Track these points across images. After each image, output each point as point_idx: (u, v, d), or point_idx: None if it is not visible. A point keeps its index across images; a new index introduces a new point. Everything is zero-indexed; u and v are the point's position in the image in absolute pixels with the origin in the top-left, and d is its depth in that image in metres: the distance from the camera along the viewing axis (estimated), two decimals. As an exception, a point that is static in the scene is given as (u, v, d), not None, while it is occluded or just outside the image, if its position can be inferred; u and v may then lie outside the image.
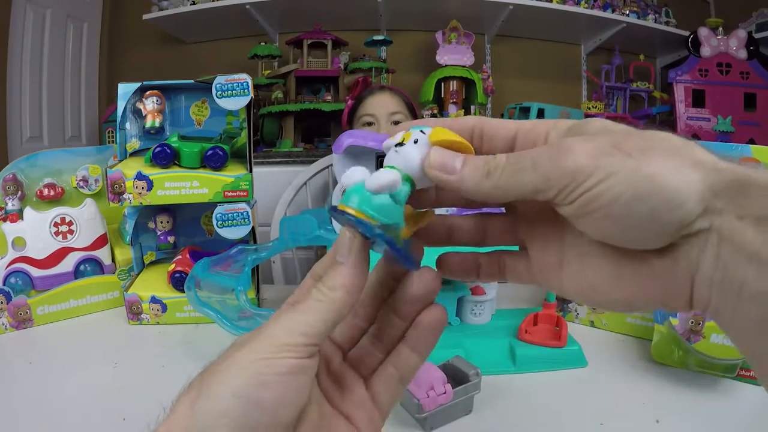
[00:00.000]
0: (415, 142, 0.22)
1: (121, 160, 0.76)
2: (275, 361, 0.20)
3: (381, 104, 1.16)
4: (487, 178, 0.21)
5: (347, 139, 0.60)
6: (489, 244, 0.27)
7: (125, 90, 0.74)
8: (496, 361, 0.58)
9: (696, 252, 0.19)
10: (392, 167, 0.22)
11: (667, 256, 0.20)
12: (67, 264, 0.76)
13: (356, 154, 0.63)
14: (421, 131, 0.23)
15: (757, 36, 2.01)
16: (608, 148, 0.19)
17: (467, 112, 1.95)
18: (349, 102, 1.27)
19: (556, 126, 0.23)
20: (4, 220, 0.73)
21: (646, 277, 0.21)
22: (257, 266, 0.77)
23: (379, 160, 0.64)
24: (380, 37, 2.00)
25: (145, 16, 2.03)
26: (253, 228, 0.74)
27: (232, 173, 0.73)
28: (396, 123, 1.16)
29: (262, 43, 2.02)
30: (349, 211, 0.22)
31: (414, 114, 1.25)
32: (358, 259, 0.22)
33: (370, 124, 1.14)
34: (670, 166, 0.19)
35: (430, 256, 0.27)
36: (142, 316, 0.72)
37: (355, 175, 0.23)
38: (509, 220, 0.26)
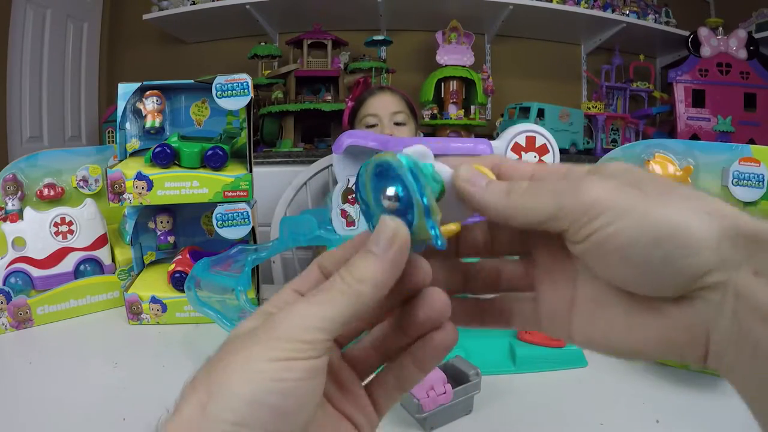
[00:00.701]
0: None
1: (121, 160, 0.76)
2: (296, 364, 0.18)
3: (383, 104, 1.16)
4: (507, 197, 0.21)
5: (347, 139, 0.60)
6: (503, 288, 0.26)
7: (125, 90, 0.74)
8: (496, 361, 0.58)
9: (714, 306, 0.18)
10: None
11: (684, 307, 0.19)
12: (67, 264, 0.76)
13: (356, 154, 0.63)
14: None
15: (757, 36, 2.01)
16: (626, 186, 0.19)
17: (467, 113, 1.95)
18: (350, 103, 1.27)
19: (574, 168, 0.22)
20: (4, 220, 0.73)
21: (660, 328, 0.20)
22: (257, 266, 0.77)
23: None
24: (380, 37, 2.00)
25: (145, 16, 2.03)
26: (253, 228, 0.74)
27: (232, 173, 0.73)
28: (398, 123, 1.16)
29: (262, 43, 2.02)
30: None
31: (415, 114, 1.25)
32: (397, 254, 0.20)
33: (373, 125, 1.14)
34: (687, 210, 0.18)
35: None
36: (142, 316, 0.72)
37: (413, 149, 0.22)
38: (524, 264, 0.25)
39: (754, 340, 0.17)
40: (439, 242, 0.21)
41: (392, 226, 0.20)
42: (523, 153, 0.63)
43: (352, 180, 0.64)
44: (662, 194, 0.19)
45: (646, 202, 0.19)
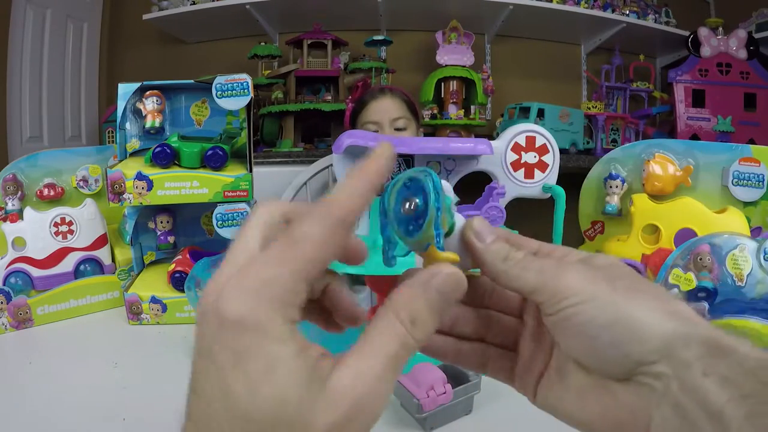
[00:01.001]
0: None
1: (121, 160, 0.76)
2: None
3: (383, 110, 1.16)
4: (503, 263, 0.24)
5: (347, 139, 0.60)
6: (489, 339, 0.28)
7: (125, 90, 0.74)
8: None
9: (657, 394, 0.20)
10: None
11: (629, 389, 0.21)
12: (67, 264, 0.76)
13: (356, 154, 0.63)
14: None
15: (757, 36, 2.01)
16: (600, 279, 0.22)
17: (467, 113, 1.95)
18: (350, 105, 1.28)
19: (571, 253, 0.25)
20: (4, 220, 0.73)
21: (608, 405, 0.22)
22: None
23: None
24: (380, 37, 2.00)
25: (145, 16, 2.03)
26: (253, 228, 0.74)
27: (232, 173, 0.73)
28: (398, 129, 1.16)
29: (262, 43, 2.02)
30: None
31: (416, 114, 1.25)
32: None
33: (373, 131, 1.15)
34: (646, 307, 0.21)
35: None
36: (142, 316, 0.72)
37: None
38: (514, 324, 0.27)
39: (699, 430, 0.19)
40: (440, 242, 0.23)
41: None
42: (523, 153, 0.63)
43: None
44: (630, 290, 0.22)
45: (612, 294, 0.21)
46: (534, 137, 0.63)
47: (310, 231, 0.20)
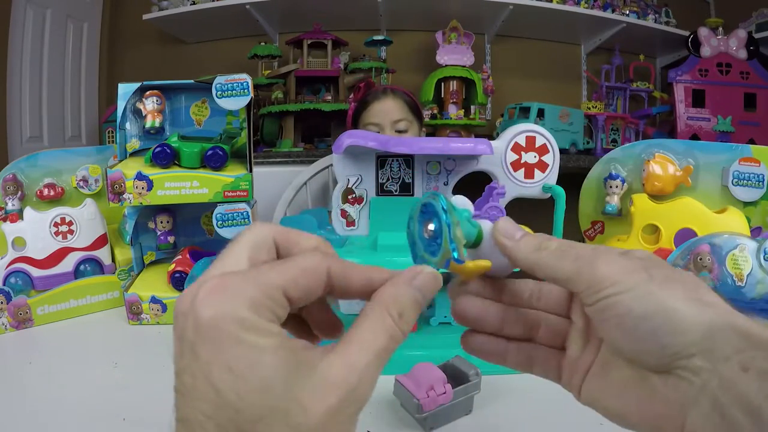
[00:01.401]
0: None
1: (121, 160, 0.76)
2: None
3: (384, 112, 1.16)
4: (536, 253, 0.25)
5: (347, 139, 0.60)
6: (538, 339, 0.29)
7: (125, 90, 0.74)
8: (496, 365, 0.58)
9: (695, 388, 0.20)
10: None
11: (669, 383, 0.21)
12: (67, 264, 0.76)
13: (357, 155, 0.63)
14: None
15: (757, 36, 2.01)
16: (637, 269, 0.22)
17: (467, 112, 1.95)
18: (352, 105, 1.27)
19: (605, 246, 0.25)
20: (4, 220, 0.73)
21: (646, 398, 0.22)
22: (257, 266, 0.77)
23: (379, 161, 0.64)
24: (380, 37, 2.00)
25: (145, 16, 2.03)
26: (253, 228, 0.74)
27: (232, 173, 0.73)
28: (399, 131, 1.16)
29: (262, 43, 2.02)
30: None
31: (419, 114, 1.24)
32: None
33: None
34: (683, 297, 0.21)
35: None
36: (142, 316, 0.72)
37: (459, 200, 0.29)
38: (563, 323, 0.28)
39: (736, 429, 0.19)
40: (456, 255, 0.25)
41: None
42: (523, 153, 0.63)
43: (352, 180, 0.64)
44: (667, 280, 0.22)
45: (649, 284, 0.21)
46: (534, 137, 0.63)
47: (302, 259, 0.22)
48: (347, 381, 0.19)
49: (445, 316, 0.65)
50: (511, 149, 0.63)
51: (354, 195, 0.64)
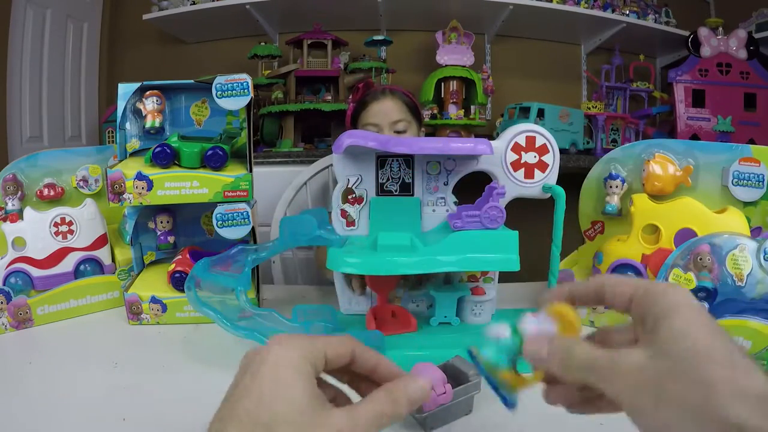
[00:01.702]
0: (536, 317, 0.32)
1: (121, 160, 0.76)
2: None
3: (383, 112, 1.15)
4: (565, 370, 0.29)
5: (347, 139, 0.59)
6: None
7: (125, 90, 0.74)
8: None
9: None
10: (513, 325, 0.33)
11: None
12: (67, 264, 0.76)
13: (357, 155, 0.63)
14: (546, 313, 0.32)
15: (757, 36, 2.01)
16: (648, 389, 0.24)
17: (467, 112, 1.95)
18: (351, 105, 1.27)
19: (656, 301, 0.27)
20: (4, 220, 0.73)
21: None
22: (257, 266, 0.77)
23: (379, 161, 0.64)
24: (380, 37, 2.00)
25: (145, 16, 2.03)
26: (253, 228, 0.74)
27: (232, 173, 0.73)
28: (398, 131, 1.16)
29: (262, 43, 2.02)
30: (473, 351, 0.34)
31: (418, 114, 1.23)
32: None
33: None
34: (737, 391, 0.21)
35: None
36: (142, 316, 0.72)
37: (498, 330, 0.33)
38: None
39: None
40: (508, 404, 0.33)
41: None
42: (523, 153, 0.63)
43: (352, 180, 0.64)
44: (673, 402, 0.23)
45: (654, 412, 0.24)
46: (534, 137, 0.63)
47: (338, 338, 0.32)
48: (348, 428, 0.27)
49: (445, 317, 0.65)
50: (511, 149, 0.63)
51: (354, 195, 0.64)
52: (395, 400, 0.30)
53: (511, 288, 0.85)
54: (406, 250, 0.57)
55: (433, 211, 0.65)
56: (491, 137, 2.26)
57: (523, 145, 0.63)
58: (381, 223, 0.63)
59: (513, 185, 0.63)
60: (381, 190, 0.64)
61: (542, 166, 0.64)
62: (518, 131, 0.63)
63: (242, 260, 0.65)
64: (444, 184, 0.65)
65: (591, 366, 0.27)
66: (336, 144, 0.60)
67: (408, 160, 0.64)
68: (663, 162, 0.74)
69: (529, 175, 0.64)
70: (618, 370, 0.25)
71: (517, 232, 0.59)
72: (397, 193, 0.65)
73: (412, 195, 0.65)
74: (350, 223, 0.65)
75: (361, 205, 0.64)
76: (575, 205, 0.82)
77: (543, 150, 0.63)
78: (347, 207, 0.64)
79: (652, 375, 0.24)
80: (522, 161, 0.63)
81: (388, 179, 0.64)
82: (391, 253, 0.57)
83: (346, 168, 0.63)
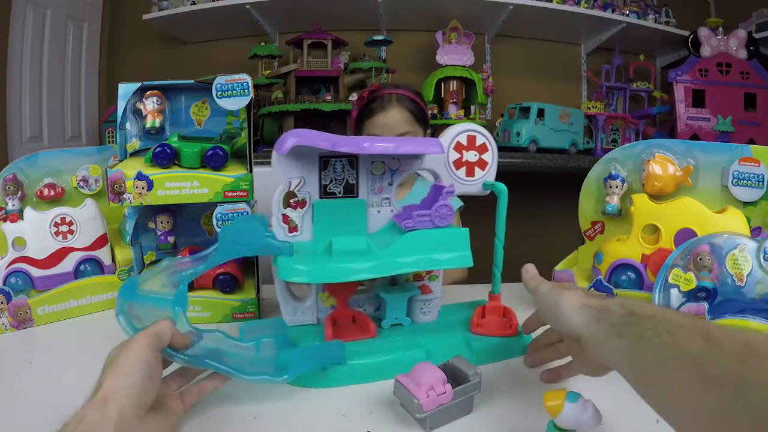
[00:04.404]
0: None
1: (121, 160, 0.76)
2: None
3: (388, 126, 1.12)
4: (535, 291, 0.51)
5: (292, 138, 0.54)
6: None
7: (125, 90, 0.74)
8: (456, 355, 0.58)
9: (589, 346, 0.41)
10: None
11: (583, 348, 0.43)
12: (67, 264, 0.76)
13: (299, 155, 0.59)
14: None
15: (757, 36, 2.01)
16: (557, 288, 0.47)
17: (467, 112, 1.95)
18: (353, 113, 1.25)
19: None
20: (4, 220, 0.74)
21: (583, 359, 0.46)
22: (257, 266, 0.77)
23: (321, 161, 0.60)
24: (380, 37, 2.00)
25: (145, 16, 2.03)
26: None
27: (232, 173, 0.73)
28: None
29: (262, 43, 2.02)
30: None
31: (424, 120, 1.21)
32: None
33: None
34: (569, 303, 0.43)
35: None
36: (142, 316, 0.72)
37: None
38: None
39: (607, 359, 0.39)
40: None
41: None
42: (464, 152, 0.64)
43: (294, 182, 0.60)
44: (562, 292, 0.45)
45: (553, 293, 0.47)
46: (474, 136, 0.64)
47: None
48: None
49: (396, 318, 0.65)
50: (453, 148, 0.64)
51: (296, 198, 0.60)
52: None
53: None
54: (362, 255, 0.56)
55: (378, 212, 0.63)
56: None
57: (465, 144, 0.64)
58: (325, 228, 0.60)
59: (455, 183, 0.64)
60: (324, 193, 0.61)
61: (482, 164, 0.65)
62: (459, 130, 0.64)
63: (175, 276, 0.55)
64: (389, 184, 0.63)
65: (542, 291, 0.49)
66: (279, 144, 0.56)
67: (351, 160, 0.61)
68: (663, 162, 0.74)
69: (470, 173, 0.65)
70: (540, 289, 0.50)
71: (467, 228, 0.60)
72: (341, 195, 0.61)
73: (357, 196, 0.62)
74: (293, 228, 0.61)
75: (304, 208, 0.60)
76: (575, 205, 0.82)
77: (483, 148, 0.65)
78: (289, 211, 0.60)
79: (556, 285, 0.49)
80: (463, 160, 0.64)
81: (331, 181, 0.61)
82: (348, 258, 0.55)
83: (287, 170, 0.59)
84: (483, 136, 0.64)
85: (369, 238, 0.59)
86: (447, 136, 0.63)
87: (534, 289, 0.50)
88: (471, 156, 0.64)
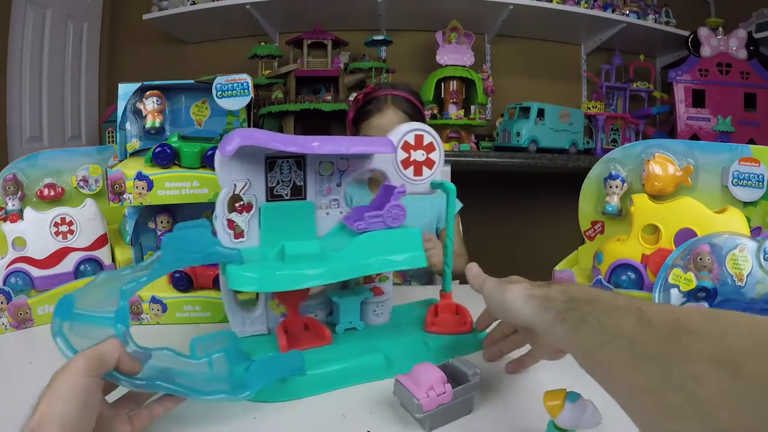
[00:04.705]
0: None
1: (121, 160, 0.76)
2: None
3: (382, 128, 1.11)
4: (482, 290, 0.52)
5: (237, 138, 0.51)
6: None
7: (125, 90, 0.74)
8: (416, 355, 0.57)
9: (541, 334, 0.42)
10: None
11: (539, 335, 0.43)
12: (67, 264, 0.76)
13: (244, 156, 0.56)
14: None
15: (757, 36, 2.01)
16: (502, 284, 0.48)
17: (467, 112, 1.95)
18: (350, 115, 1.25)
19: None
20: (4, 220, 0.74)
21: (540, 346, 0.51)
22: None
23: (268, 162, 0.57)
24: (380, 37, 2.00)
25: (145, 16, 2.03)
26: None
27: (232, 173, 0.72)
28: None
29: (262, 43, 2.02)
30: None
31: (421, 117, 1.20)
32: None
33: None
34: (516, 295, 0.44)
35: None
36: (142, 316, 0.72)
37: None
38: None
39: (557, 341, 0.40)
40: None
41: None
42: (412, 151, 0.64)
43: (239, 185, 0.56)
44: (508, 288, 0.46)
45: (501, 292, 0.47)
46: (422, 136, 0.64)
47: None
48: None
49: (350, 322, 0.63)
50: (402, 148, 0.63)
51: (242, 202, 0.56)
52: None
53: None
54: (316, 260, 0.54)
55: (327, 214, 0.62)
56: (492, 137, 2.26)
57: (412, 143, 0.64)
58: (273, 232, 0.57)
59: (404, 183, 0.63)
60: (271, 195, 0.58)
61: (429, 163, 0.65)
62: (407, 130, 0.63)
63: (113, 291, 0.49)
64: (337, 185, 0.62)
65: (487, 285, 0.51)
66: (223, 144, 0.52)
67: (299, 161, 0.59)
68: (663, 162, 0.74)
69: (417, 172, 0.64)
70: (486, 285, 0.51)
71: (419, 228, 0.60)
72: (288, 198, 0.59)
73: (305, 198, 0.60)
74: (239, 234, 0.57)
75: (251, 213, 0.57)
76: (575, 206, 0.82)
77: (430, 148, 0.65)
78: (234, 216, 0.56)
79: (502, 281, 0.50)
80: (411, 159, 0.64)
81: (278, 182, 0.58)
82: (302, 263, 0.53)
83: (232, 172, 0.55)
84: (430, 136, 0.64)
85: (320, 242, 0.57)
86: (395, 136, 0.63)
87: (479, 287, 0.51)
88: (419, 155, 0.64)
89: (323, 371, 0.53)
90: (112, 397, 0.44)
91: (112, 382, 0.42)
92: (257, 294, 0.61)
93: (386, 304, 0.66)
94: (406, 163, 0.63)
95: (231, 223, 0.56)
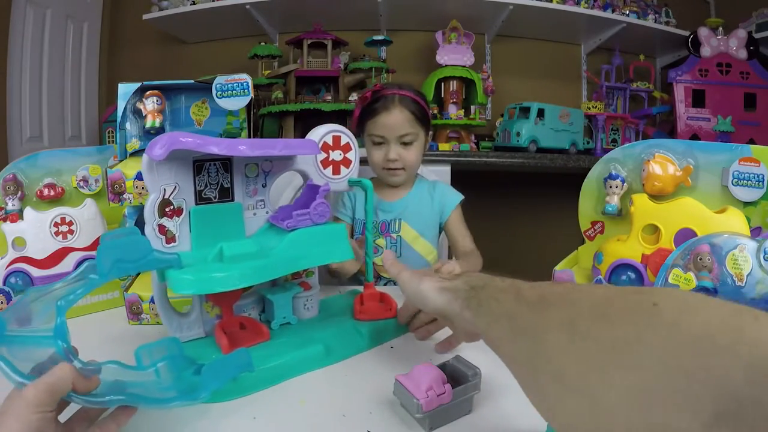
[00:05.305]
0: None
1: (121, 160, 0.76)
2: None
3: (390, 127, 1.13)
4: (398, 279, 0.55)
5: (171, 142, 0.50)
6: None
7: (125, 90, 0.75)
8: (350, 342, 0.63)
9: (456, 321, 0.46)
10: None
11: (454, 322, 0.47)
12: (67, 264, 0.76)
13: (171, 160, 0.55)
14: None
15: (757, 36, 2.01)
16: (416, 275, 0.51)
17: (467, 112, 1.95)
18: (356, 112, 1.25)
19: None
20: (4, 220, 0.74)
21: (457, 330, 0.52)
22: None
23: (195, 165, 0.57)
24: (380, 37, 2.00)
25: (145, 16, 2.03)
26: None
27: (232, 173, 0.73)
28: (405, 143, 1.14)
29: (262, 43, 2.02)
30: None
31: (426, 121, 1.21)
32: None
33: (378, 143, 1.14)
34: (429, 287, 0.48)
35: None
36: (142, 316, 0.72)
37: None
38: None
39: (480, 329, 0.40)
40: None
41: None
42: (330, 151, 0.69)
43: (169, 190, 0.56)
44: (423, 278, 0.50)
45: (417, 282, 0.50)
46: (339, 136, 0.69)
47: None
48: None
49: (284, 317, 0.65)
50: (321, 148, 0.67)
51: (172, 206, 0.56)
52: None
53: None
54: (255, 258, 0.56)
55: (254, 214, 0.63)
56: (492, 137, 2.26)
57: (331, 144, 0.68)
58: (204, 235, 0.58)
59: (324, 181, 0.67)
60: (200, 198, 0.58)
61: (346, 162, 0.69)
62: (326, 131, 0.68)
63: (47, 308, 0.46)
64: (263, 186, 0.64)
65: (403, 275, 0.53)
66: (152, 148, 0.51)
67: (225, 163, 0.60)
68: (663, 162, 0.74)
69: (336, 171, 0.69)
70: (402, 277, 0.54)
71: (344, 224, 0.65)
72: (216, 200, 0.59)
73: (233, 200, 0.61)
74: (170, 239, 0.56)
75: (181, 217, 0.57)
76: (575, 205, 0.82)
77: (347, 148, 0.70)
78: (165, 221, 0.56)
79: (421, 273, 0.52)
80: (330, 159, 0.68)
81: (206, 185, 0.58)
82: (240, 262, 0.54)
83: (160, 177, 0.55)
84: (347, 136, 0.69)
85: (253, 240, 0.59)
86: (315, 135, 0.67)
87: (396, 275, 0.54)
88: (336, 155, 0.69)
89: (270, 365, 0.55)
90: (64, 417, 0.42)
91: (64, 401, 0.40)
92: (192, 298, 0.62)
93: (314, 298, 0.70)
94: (325, 162, 0.68)
95: (162, 228, 0.56)
